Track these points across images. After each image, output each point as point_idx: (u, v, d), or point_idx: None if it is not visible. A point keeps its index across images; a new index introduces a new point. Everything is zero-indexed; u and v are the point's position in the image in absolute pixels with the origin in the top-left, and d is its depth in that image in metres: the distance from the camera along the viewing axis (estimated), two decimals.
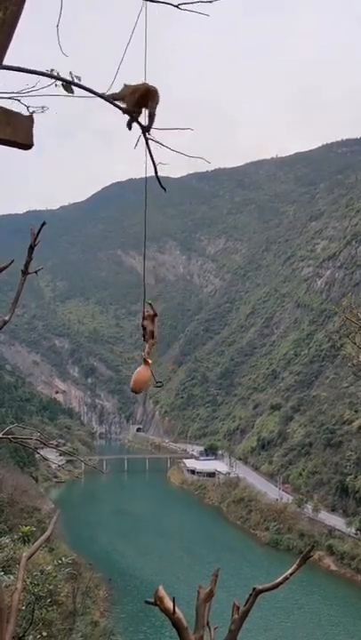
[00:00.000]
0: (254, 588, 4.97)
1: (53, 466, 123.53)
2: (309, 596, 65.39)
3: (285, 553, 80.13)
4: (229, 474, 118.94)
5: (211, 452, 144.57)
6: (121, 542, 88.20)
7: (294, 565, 5.20)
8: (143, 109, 3.34)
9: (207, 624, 4.76)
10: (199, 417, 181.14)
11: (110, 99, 3.27)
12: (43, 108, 3.22)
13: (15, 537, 18.50)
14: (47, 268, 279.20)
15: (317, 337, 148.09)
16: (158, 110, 3.34)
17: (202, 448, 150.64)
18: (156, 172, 3.46)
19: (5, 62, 2.79)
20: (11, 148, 2.94)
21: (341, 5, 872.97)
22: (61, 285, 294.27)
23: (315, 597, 66.10)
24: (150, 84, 3.35)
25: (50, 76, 3.07)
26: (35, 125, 2.94)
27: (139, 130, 3.36)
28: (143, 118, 3.34)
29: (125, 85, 3.41)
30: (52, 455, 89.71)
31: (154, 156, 3.34)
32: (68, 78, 3.24)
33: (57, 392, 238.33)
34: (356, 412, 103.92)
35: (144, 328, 4.67)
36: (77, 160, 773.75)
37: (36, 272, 4.38)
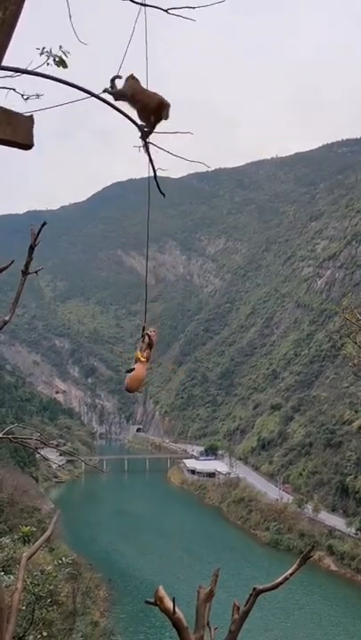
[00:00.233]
0: (254, 588, 4.97)
1: (54, 466, 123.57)
2: (310, 597, 65.37)
3: (286, 553, 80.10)
4: (229, 474, 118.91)
5: (211, 452, 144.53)
6: (121, 542, 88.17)
7: (294, 565, 5.20)
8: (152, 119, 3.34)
9: (207, 624, 4.76)
10: (199, 417, 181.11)
11: (112, 103, 3.26)
12: (38, 95, 3.23)
13: (15, 537, 18.49)
14: (47, 268, 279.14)
15: (318, 337, 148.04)
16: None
17: (202, 448, 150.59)
18: (155, 177, 3.47)
19: (5, 63, 2.79)
20: (11, 148, 2.94)
21: (341, 5, 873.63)
22: (62, 285, 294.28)
23: (315, 598, 66.07)
24: (161, 95, 3.33)
25: (43, 75, 3.07)
26: (35, 125, 2.94)
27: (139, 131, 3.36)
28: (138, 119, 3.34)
29: (130, 79, 3.38)
30: (52, 455, 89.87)
31: (154, 159, 3.35)
32: (60, 54, 3.25)
33: (57, 392, 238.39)
34: (356, 412, 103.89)
35: (143, 334, 4.72)
36: (77, 160, 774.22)
37: (36, 272, 4.39)
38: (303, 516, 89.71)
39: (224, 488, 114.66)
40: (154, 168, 3.36)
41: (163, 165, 3.42)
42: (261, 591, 4.98)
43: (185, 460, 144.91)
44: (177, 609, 4.37)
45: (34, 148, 2.98)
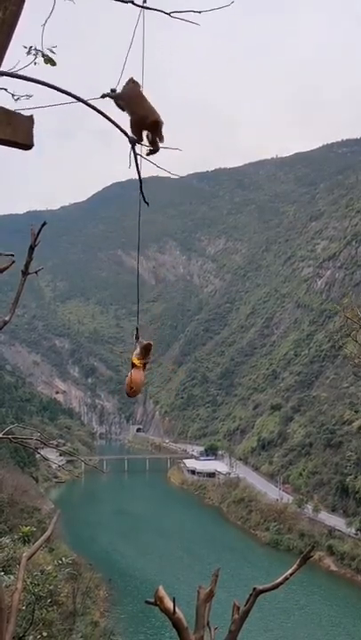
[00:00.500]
0: (255, 589, 4.97)
1: (54, 466, 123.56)
2: (310, 597, 65.37)
3: (286, 553, 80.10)
4: (229, 474, 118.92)
5: (211, 452, 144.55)
6: (121, 542, 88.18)
7: (294, 566, 5.20)
8: (144, 133, 3.32)
9: (207, 624, 4.76)
10: (199, 417, 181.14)
11: (101, 110, 3.23)
12: (28, 96, 3.23)
13: (15, 537, 18.50)
14: (47, 269, 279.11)
15: (318, 337, 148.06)
16: (159, 111, 3.33)
17: (202, 448, 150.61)
18: (140, 188, 3.48)
19: (5, 63, 2.79)
20: (11, 148, 2.94)
21: (341, 5, 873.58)
22: (62, 285, 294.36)
23: (315, 598, 66.07)
24: (157, 112, 3.31)
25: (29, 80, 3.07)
26: (35, 125, 2.94)
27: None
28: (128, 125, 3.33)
29: (130, 82, 3.37)
30: (52, 455, 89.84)
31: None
32: (47, 52, 3.25)
33: (57, 392, 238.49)
34: (356, 412, 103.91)
35: (137, 335, 4.71)
36: (77, 160, 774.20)
37: (36, 272, 4.39)
38: (303, 517, 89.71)
39: (224, 488, 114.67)
40: (140, 179, 3.36)
41: (162, 166, 3.42)
42: (261, 591, 4.98)
43: (185, 460, 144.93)
44: (177, 609, 4.37)
45: (34, 147, 2.98)
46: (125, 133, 3.22)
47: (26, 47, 3.23)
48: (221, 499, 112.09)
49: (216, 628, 4.92)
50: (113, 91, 3.32)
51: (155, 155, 3.38)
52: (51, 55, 3.29)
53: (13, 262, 4.21)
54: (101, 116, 3.09)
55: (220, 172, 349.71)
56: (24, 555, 5.95)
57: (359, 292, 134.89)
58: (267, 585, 5.10)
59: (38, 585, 12.89)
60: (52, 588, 13.79)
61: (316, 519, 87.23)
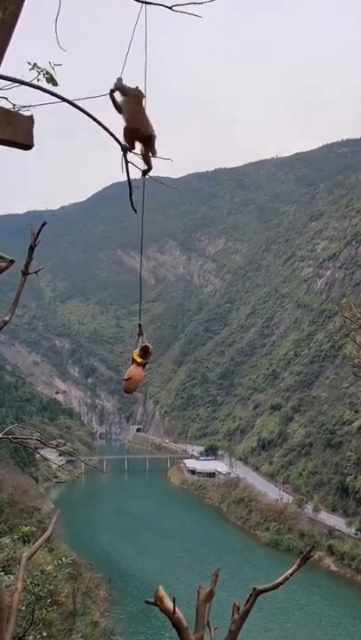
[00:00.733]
0: (254, 589, 4.97)
1: (53, 466, 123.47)
2: (310, 597, 65.35)
3: (286, 553, 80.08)
4: (229, 474, 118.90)
5: (211, 452, 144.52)
6: (121, 542, 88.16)
7: (294, 566, 5.20)
8: (137, 144, 3.32)
9: (207, 624, 4.76)
10: (199, 417, 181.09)
11: (98, 119, 3.22)
12: (27, 107, 3.22)
13: (15, 537, 18.51)
14: (47, 268, 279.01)
15: (317, 337, 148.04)
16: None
17: (202, 448, 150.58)
18: (130, 195, 3.47)
19: (5, 63, 2.79)
20: (11, 148, 2.94)
21: (341, 5, 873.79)
22: (61, 285, 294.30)
23: (315, 598, 66.05)
24: (152, 126, 3.30)
25: (26, 83, 3.07)
26: (35, 126, 2.94)
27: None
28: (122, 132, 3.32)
29: (137, 88, 3.36)
30: (52, 455, 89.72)
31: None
32: (50, 70, 3.24)
33: (57, 392, 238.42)
34: (356, 412, 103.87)
35: (140, 331, 4.71)
36: (77, 160, 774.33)
37: (36, 272, 4.39)
38: (303, 517, 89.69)
39: (224, 488, 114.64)
40: (130, 186, 3.36)
41: (161, 166, 3.43)
42: (261, 591, 4.98)
43: (185, 460, 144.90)
44: (177, 609, 4.37)
45: (34, 147, 2.98)
46: (118, 140, 3.22)
47: (30, 63, 3.23)
48: (221, 499, 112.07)
49: (216, 628, 4.92)
50: (119, 80, 3.32)
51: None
52: (56, 63, 3.28)
53: (13, 262, 4.21)
54: (101, 117, 3.09)
55: (220, 171, 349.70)
56: (24, 555, 5.95)
57: (359, 292, 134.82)
58: (267, 585, 5.10)
59: (38, 585, 12.89)
60: (52, 587, 13.79)
61: (316, 519, 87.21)
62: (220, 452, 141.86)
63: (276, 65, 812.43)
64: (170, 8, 3.07)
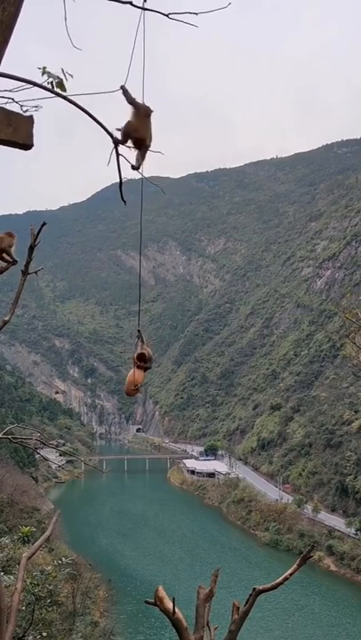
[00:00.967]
0: (254, 589, 4.97)
1: (53, 466, 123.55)
2: (310, 597, 65.34)
3: (285, 553, 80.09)
4: (229, 474, 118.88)
5: (211, 452, 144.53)
6: (121, 542, 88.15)
7: (294, 565, 5.20)
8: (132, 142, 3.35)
9: (207, 624, 4.76)
10: (199, 417, 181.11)
11: (99, 119, 3.23)
12: (37, 107, 3.23)
13: (15, 537, 18.48)
14: (47, 269, 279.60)
15: (317, 337, 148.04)
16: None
17: (202, 448, 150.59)
18: (120, 187, 3.50)
19: (4, 63, 2.79)
20: (11, 149, 2.94)
21: (342, 5, 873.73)
22: (61, 285, 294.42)
23: (315, 598, 66.03)
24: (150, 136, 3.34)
25: (33, 83, 3.07)
26: (35, 126, 2.94)
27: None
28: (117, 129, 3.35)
29: (145, 106, 3.38)
30: (52, 455, 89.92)
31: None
32: (60, 75, 3.25)
33: (57, 392, 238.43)
34: (356, 412, 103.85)
35: (141, 338, 4.72)
36: (77, 160, 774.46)
37: (36, 272, 4.39)
38: (303, 517, 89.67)
39: (224, 488, 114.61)
40: (120, 179, 3.37)
41: (161, 167, 3.45)
42: (261, 591, 4.98)
43: (185, 461, 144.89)
44: (177, 609, 4.37)
45: (34, 148, 2.98)
46: (110, 134, 3.24)
47: (40, 68, 3.24)
48: (221, 499, 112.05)
49: (216, 628, 4.92)
50: (124, 88, 3.35)
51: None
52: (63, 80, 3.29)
53: (16, 262, 4.21)
54: (101, 117, 3.09)
55: (220, 172, 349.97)
56: (24, 555, 5.94)
57: (359, 292, 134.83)
58: (266, 585, 5.10)
59: (38, 585, 12.87)
60: (51, 588, 13.77)
61: (315, 519, 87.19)
62: (219, 452, 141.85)
63: (277, 65, 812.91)
64: (166, 15, 3.10)
